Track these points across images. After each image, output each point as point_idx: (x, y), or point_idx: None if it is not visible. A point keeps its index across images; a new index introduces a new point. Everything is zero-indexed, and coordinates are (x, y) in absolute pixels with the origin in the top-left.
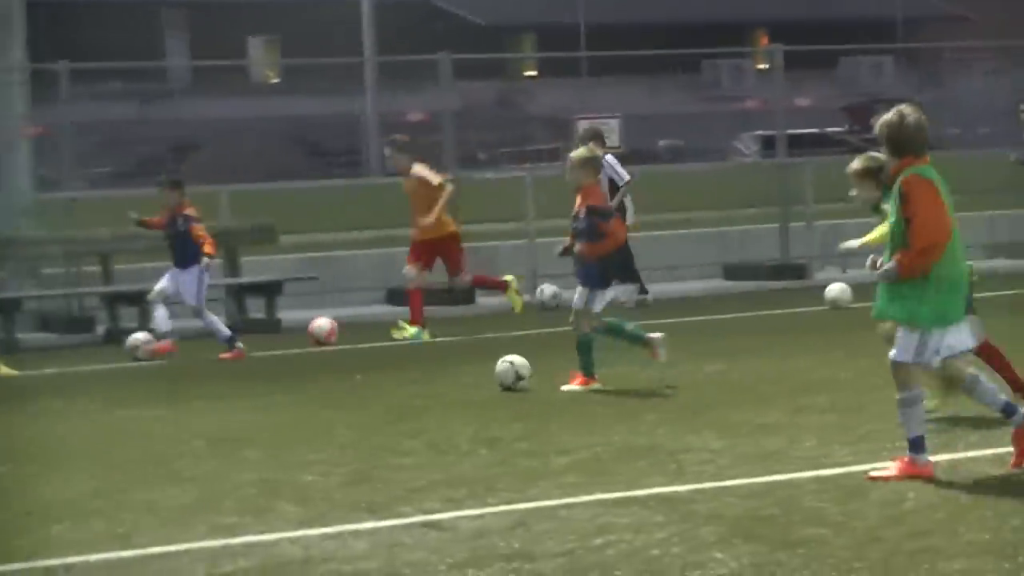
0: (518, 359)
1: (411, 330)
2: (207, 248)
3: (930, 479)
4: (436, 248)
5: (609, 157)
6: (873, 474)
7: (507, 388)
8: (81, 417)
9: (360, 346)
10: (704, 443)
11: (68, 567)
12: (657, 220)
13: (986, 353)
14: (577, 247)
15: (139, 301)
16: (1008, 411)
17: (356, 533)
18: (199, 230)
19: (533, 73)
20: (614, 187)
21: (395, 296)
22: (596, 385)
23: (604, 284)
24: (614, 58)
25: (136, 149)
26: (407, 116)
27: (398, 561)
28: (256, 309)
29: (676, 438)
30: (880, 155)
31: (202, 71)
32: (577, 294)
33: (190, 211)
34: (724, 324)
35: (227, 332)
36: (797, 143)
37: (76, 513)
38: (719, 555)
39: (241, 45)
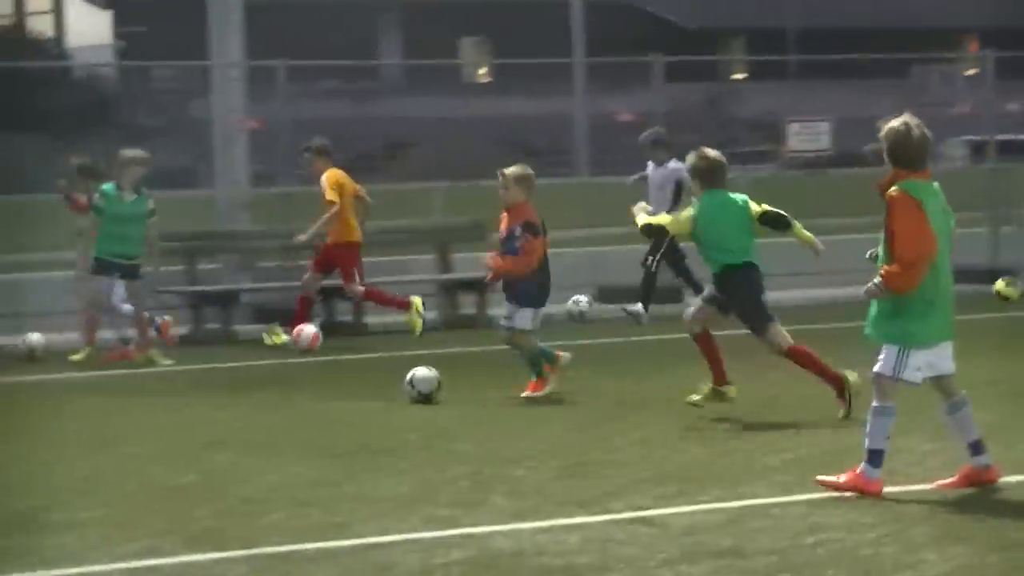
0: (421, 370)
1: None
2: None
3: (878, 497)
4: (334, 253)
5: (674, 162)
6: (820, 478)
7: (424, 398)
8: (298, 408)
9: (572, 342)
10: (914, 445)
11: (285, 555)
12: (865, 223)
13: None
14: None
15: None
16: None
17: (568, 527)
18: None
19: (742, 76)
20: (680, 190)
21: (605, 294)
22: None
23: (537, 303)
24: (823, 62)
25: (350, 146)
26: (616, 117)
27: (609, 556)
28: (467, 305)
29: None
30: (709, 153)
31: (415, 70)
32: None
33: None
34: None
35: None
36: (1007, 149)
37: (294, 502)
38: (931, 556)
39: (453, 45)
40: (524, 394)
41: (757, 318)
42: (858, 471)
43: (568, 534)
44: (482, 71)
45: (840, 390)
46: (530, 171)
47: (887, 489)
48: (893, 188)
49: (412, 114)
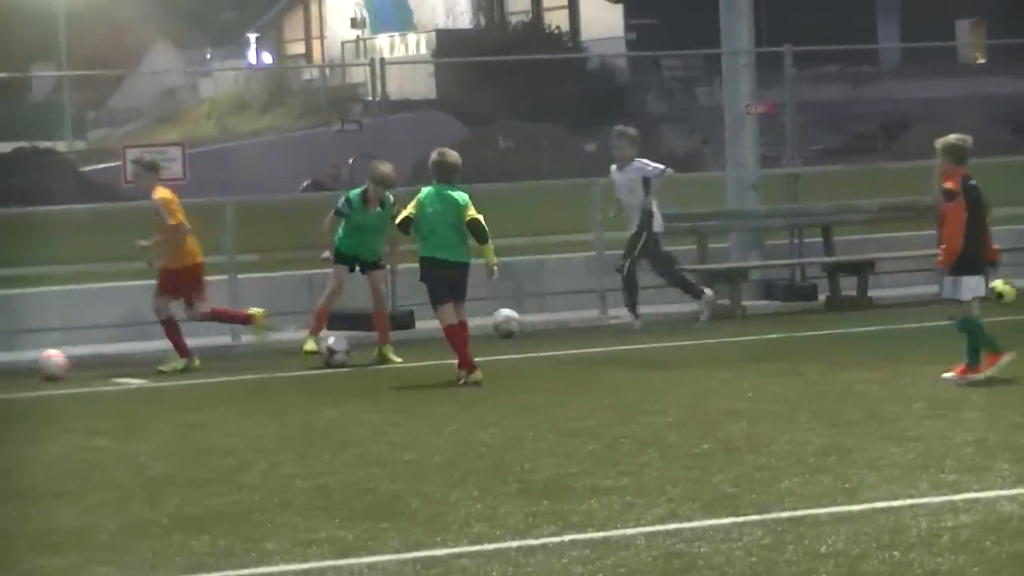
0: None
1: (179, 363)
2: None
3: None
4: (178, 277)
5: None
6: None
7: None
8: (806, 378)
9: None
10: None
11: (798, 520)
12: None
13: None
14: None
15: (860, 270)
16: None
17: None
18: None
19: None
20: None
21: None
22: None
23: (966, 271)
24: None
25: (848, 128)
26: None
27: None
28: None
29: None
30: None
31: (911, 53)
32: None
33: None
34: None
35: None
36: None
37: (806, 469)
38: None
39: (949, 27)
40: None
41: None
42: None
43: None
44: (977, 52)
45: (468, 370)
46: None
47: None
48: None
49: (909, 96)
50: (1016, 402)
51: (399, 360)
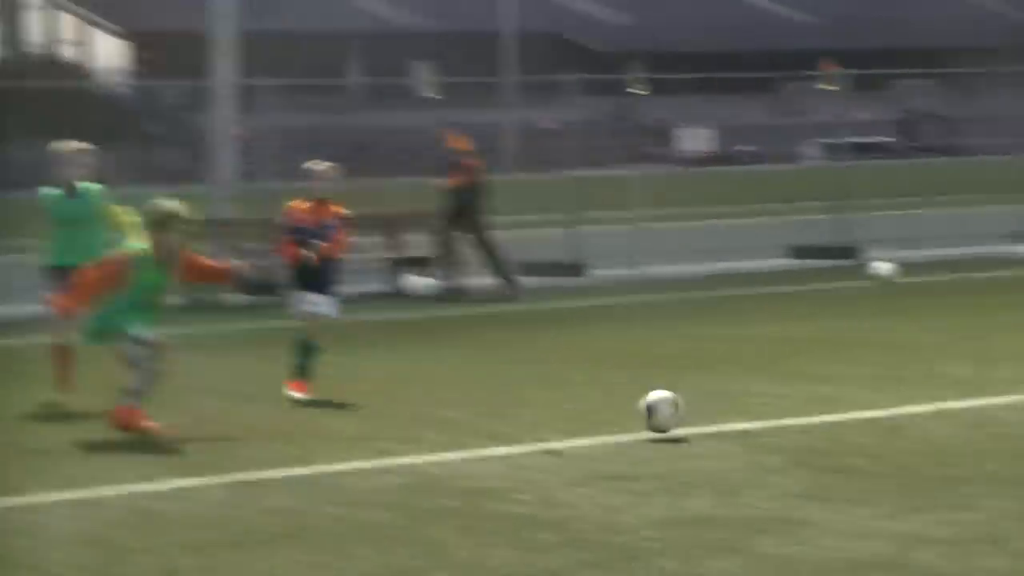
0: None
1: None
2: None
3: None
4: None
5: None
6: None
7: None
8: (272, 362)
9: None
10: (768, 389)
11: (253, 482)
12: (740, 210)
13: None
14: None
15: None
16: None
17: (487, 458)
18: None
19: (643, 92)
20: None
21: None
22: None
23: None
24: (708, 79)
25: (320, 151)
26: (539, 125)
27: (521, 479)
28: None
29: (745, 385)
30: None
31: (375, 87)
32: None
33: None
34: (789, 295)
35: None
36: (855, 150)
37: (262, 437)
38: (779, 479)
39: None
40: None
41: None
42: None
43: (488, 463)
44: (431, 89)
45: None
46: None
47: (747, 425)
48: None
49: (372, 124)
50: (444, 380)
51: None
